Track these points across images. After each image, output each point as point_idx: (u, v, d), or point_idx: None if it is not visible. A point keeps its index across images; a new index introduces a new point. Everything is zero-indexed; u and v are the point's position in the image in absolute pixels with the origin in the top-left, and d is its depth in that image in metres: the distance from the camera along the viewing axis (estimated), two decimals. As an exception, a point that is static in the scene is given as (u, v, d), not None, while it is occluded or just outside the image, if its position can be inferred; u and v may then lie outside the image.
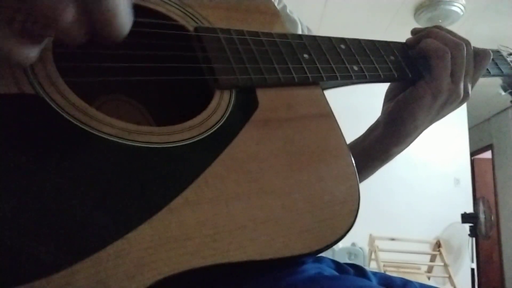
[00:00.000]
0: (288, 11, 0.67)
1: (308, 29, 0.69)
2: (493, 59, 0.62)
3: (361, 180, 0.55)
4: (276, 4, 0.57)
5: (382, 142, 0.55)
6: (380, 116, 0.57)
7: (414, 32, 0.57)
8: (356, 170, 0.41)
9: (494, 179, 4.93)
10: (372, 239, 3.25)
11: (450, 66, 0.50)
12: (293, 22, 0.66)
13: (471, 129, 4.16)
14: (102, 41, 0.27)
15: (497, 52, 0.67)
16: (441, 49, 0.50)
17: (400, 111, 0.53)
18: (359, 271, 0.47)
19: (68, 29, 0.25)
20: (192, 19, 0.43)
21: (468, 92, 0.53)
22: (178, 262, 0.27)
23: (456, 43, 0.51)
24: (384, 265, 3.09)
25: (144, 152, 0.31)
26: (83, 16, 0.25)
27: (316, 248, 0.33)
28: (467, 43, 0.53)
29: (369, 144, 0.56)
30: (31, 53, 0.26)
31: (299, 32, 0.66)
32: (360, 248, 3.25)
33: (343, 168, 0.40)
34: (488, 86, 0.67)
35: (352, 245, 3.25)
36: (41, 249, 0.24)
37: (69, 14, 0.24)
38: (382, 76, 0.50)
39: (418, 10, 2.97)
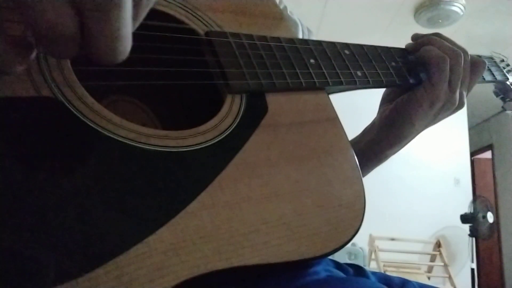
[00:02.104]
0: (288, 12, 0.68)
1: (309, 30, 0.69)
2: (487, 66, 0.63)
3: None
4: None
5: (378, 144, 0.55)
6: (376, 118, 0.57)
7: (414, 38, 0.57)
8: (361, 174, 0.41)
9: (494, 179, 4.93)
10: (372, 239, 3.25)
11: (448, 74, 0.51)
12: (294, 24, 0.66)
13: (471, 129, 4.16)
14: (94, 62, 0.25)
15: (490, 58, 0.68)
16: (441, 57, 0.51)
17: (398, 115, 0.53)
18: (359, 271, 0.47)
19: (62, 44, 0.23)
20: (202, 22, 0.44)
21: (463, 101, 0.54)
22: (197, 265, 0.28)
23: (455, 52, 0.52)
24: (384, 265, 3.09)
25: (161, 156, 0.32)
26: (81, 34, 0.23)
27: (325, 251, 0.34)
28: (465, 52, 0.53)
29: (365, 146, 0.56)
30: (19, 63, 0.24)
31: (300, 33, 0.66)
32: (360, 248, 3.25)
33: (349, 172, 0.41)
34: (488, 86, 0.68)
35: (352, 245, 3.25)
36: (64, 254, 0.24)
37: (68, 30, 0.22)
38: (384, 81, 0.51)
39: (418, 10, 2.97)
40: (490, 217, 3.44)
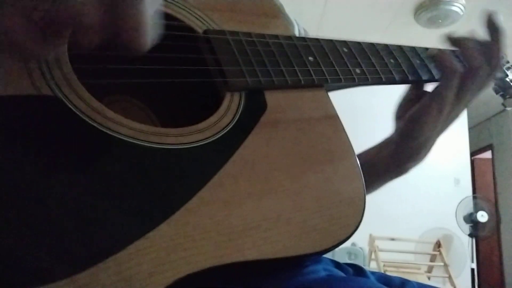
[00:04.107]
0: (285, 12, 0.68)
1: (305, 30, 0.69)
2: None
3: (376, 189, 0.58)
4: None
5: (396, 157, 0.56)
6: (392, 134, 0.58)
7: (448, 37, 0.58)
8: (361, 171, 0.41)
9: (494, 179, 4.93)
10: (372, 239, 3.26)
11: (457, 85, 0.52)
12: (290, 23, 0.66)
13: (471, 129, 4.16)
14: (119, 53, 0.27)
15: None
16: (453, 70, 0.51)
17: (410, 128, 0.54)
18: (358, 271, 0.47)
19: (89, 33, 0.25)
20: (200, 21, 0.44)
21: (467, 107, 0.55)
22: (197, 261, 0.28)
23: (478, 67, 0.52)
24: (384, 265, 3.09)
25: (161, 153, 0.32)
26: (108, 24, 0.25)
27: (325, 247, 0.34)
28: (493, 63, 0.53)
29: (383, 159, 0.57)
30: (46, 50, 0.26)
31: (296, 33, 0.66)
32: (360, 248, 3.25)
33: (349, 168, 0.41)
34: (488, 85, 0.67)
35: (352, 245, 3.25)
36: (64, 249, 0.24)
37: (95, 19, 0.24)
38: (383, 78, 0.51)
39: (418, 10, 2.97)
40: (482, 217, 3.44)
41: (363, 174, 0.57)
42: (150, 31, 0.26)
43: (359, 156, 0.58)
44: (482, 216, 3.45)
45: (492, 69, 0.53)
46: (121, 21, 0.25)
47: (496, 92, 0.68)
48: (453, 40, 0.56)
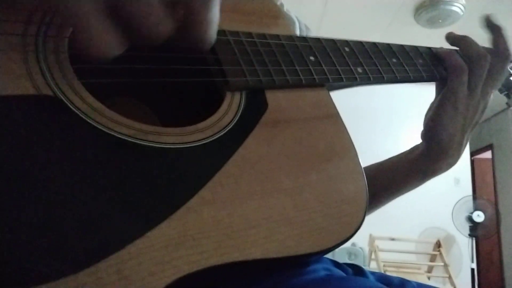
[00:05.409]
0: (285, 9, 0.68)
1: (307, 27, 0.70)
2: None
3: (409, 190, 0.59)
4: None
5: (427, 158, 0.56)
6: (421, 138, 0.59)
7: (446, 38, 0.60)
8: (363, 170, 0.41)
9: (494, 179, 4.92)
10: (372, 239, 3.26)
11: (466, 80, 0.54)
12: (291, 21, 0.66)
13: (471, 129, 4.15)
14: (188, 45, 0.29)
15: None
16: (459, 66, 0.54)
17: (431, 127, 0.55)
18: (358, 271, 0.47)
19: (157, 27, 0.26)
20: None
21: (486, 100, 0.56)
22: (197, 260, 0.28)
23: (478, 57, 0.54)
24: (384, 265, 3.10)
25: (161, 152, 0.32)
26: (178, 19, 0.26)
27: (327, 246, 0.34)
28: (496, 55, 0.55)
29: (414, 160, 0.57)
30: (116, 48, 0.26)
31: (297, 30, 0.66)
32: (360, 248, 3.26)
33: (351, 168, 0.41)
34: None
35: (352, 245, 3.26)
36: (65, 248, 0.24)
37: (166, 30, 0.26)
38: (385, 77, 0.51)
39: (418, 10, 2.97)
40: (478, 217, 3.45)
41: (394, 175, 0.58)
42: (216, 26, 0.27)
43: (390, 159, 0.59)
44: (478, 216, 3.46)
45: (503, 58, 0.55)
46: (192, 16, 0.26)
47: (500, 91, 0.68)
48: (452, 39, 0.58)
